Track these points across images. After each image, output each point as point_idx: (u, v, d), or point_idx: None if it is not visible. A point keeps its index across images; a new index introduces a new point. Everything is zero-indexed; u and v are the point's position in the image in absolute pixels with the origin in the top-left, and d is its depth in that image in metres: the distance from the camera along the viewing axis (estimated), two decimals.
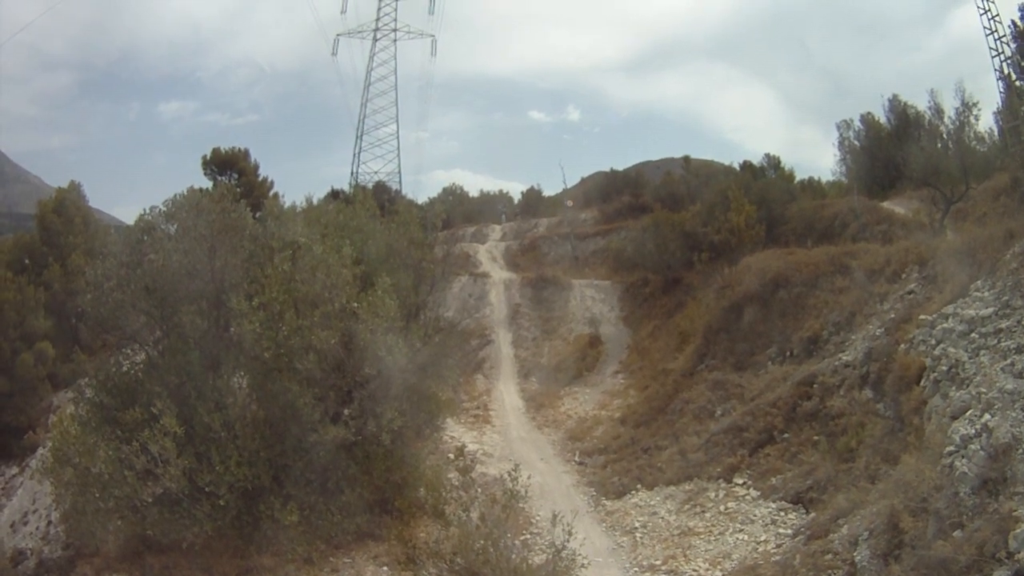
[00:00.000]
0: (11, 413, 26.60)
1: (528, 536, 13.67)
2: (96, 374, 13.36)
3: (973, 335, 11.16)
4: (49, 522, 17.85)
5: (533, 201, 59.56)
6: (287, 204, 25.58)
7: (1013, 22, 25.26)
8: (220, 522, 11.56)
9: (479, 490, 12.01)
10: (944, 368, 11.25)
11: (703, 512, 14.20)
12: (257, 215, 15.36)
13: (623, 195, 44.65)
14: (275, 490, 12.01)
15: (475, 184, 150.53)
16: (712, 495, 14.62)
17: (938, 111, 34.60)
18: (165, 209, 13.92)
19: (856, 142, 39.85)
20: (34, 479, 18.47)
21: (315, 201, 39.68)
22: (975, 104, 29.12)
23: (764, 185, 31.61)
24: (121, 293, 12.94)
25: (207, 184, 31.16)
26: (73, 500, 11.61)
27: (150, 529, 11.35)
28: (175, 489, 11.28)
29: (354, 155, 64.29)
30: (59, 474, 11.77)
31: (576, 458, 19.01)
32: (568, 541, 10.77)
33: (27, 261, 31.62)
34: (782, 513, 13.12)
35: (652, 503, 15.29)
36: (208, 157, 38.83)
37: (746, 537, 12.85)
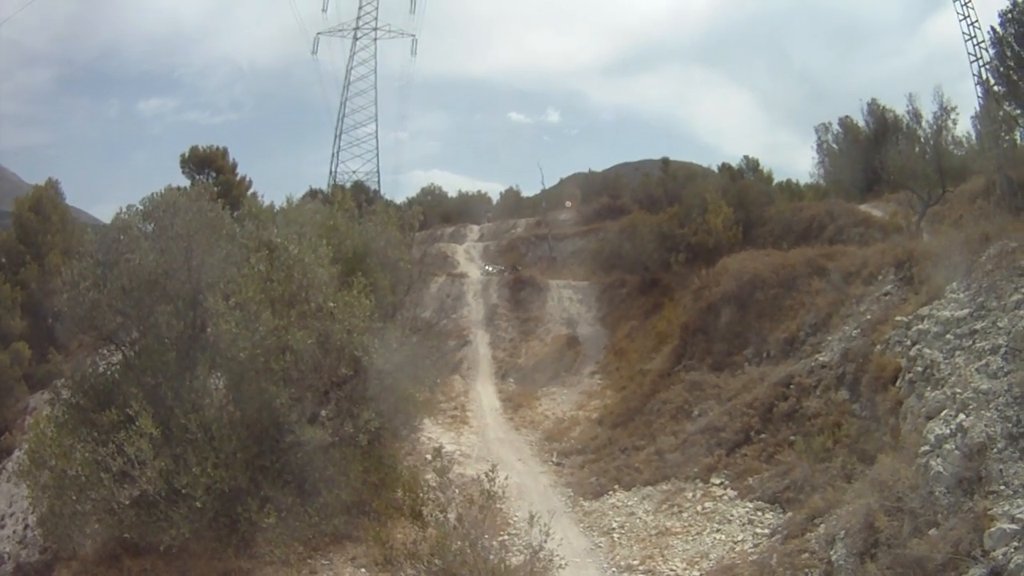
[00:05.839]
0: None
1: (506, 537, 13.66)
2: (72, 375, 13.21)
3: (948, 336, 11.25)
4: (26, 525, 17.58)
5: (512, 202, 59.57)
6: (265, 203, 25.42)
7: (992, 28, 25.64)
8: (197, 524, 11.42)
9: (457, 491, 11.98)
10: (919, 369, 11.36)
11: (680, 512, 14.22)
12: (235, 214, 15.25)
13: (601, 196, 44.81)
14: (252, 492, 11.91)
15: (454, 184, 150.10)
16: (689, 495, 14.65)
17: (916, 115, 34.91)
18: (142, 208, 13.78)
19: (834, 145, 40.23)
20: (11, 482, 18.23)
21: (294, 200, 39.61)
22: (953, 108, 29.52)
23: (742, 187, 31.82)
24: (97, 293, 12.77)
25: (185, 183, 30.98)
26: (50, 503, 11.46)
27: (127, 532, 11.21)
28: (152, 491, 11.14)
29: (333, 154, 64.09)
30: (35, 477, 11.64)
31: (553, 459, 18.99)
32: (546, 542, 10.75)
33: (3, 260, 31.16)
34: (759, 513, 13.15)
35: (629, 503, 15.29)
36: (186, 156, 38.57)
37: (723, 537, 12.87)
